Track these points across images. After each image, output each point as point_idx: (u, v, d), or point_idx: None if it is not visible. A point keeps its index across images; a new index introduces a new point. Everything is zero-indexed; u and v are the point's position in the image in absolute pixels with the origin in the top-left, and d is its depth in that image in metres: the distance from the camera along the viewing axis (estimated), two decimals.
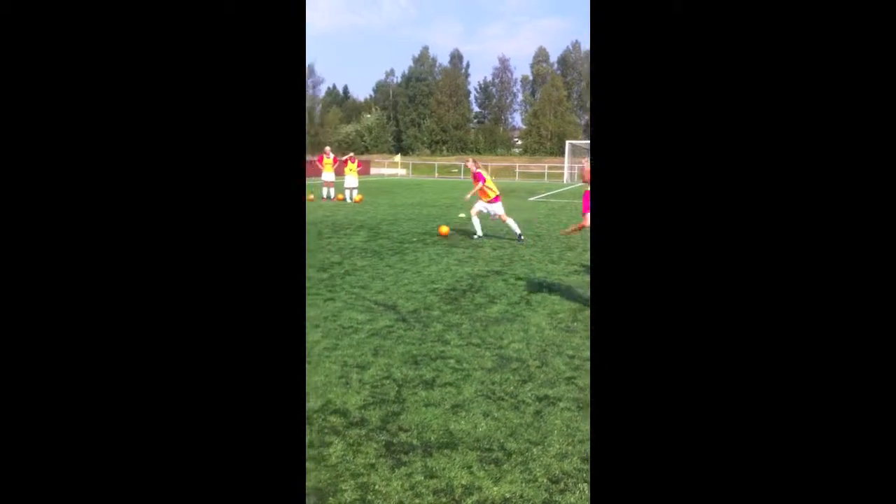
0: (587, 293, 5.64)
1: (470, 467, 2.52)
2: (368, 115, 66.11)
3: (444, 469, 2.50)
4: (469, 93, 69.32)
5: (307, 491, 2.31)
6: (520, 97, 70.15)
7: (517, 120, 69.69)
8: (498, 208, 9.90)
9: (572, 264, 7.50)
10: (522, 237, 9.59)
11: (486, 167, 11.30)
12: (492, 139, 66.25)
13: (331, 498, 2.27)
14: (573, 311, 5.18)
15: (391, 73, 72.29)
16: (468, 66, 70.59)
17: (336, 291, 5.81)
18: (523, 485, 2.38)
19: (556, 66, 66.89)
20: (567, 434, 2.84)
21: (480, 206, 10.01)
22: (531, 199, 20.41)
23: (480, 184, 9.83)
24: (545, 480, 2.42)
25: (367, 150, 59.74)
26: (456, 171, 45.60)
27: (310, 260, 7.45)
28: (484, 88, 70.04)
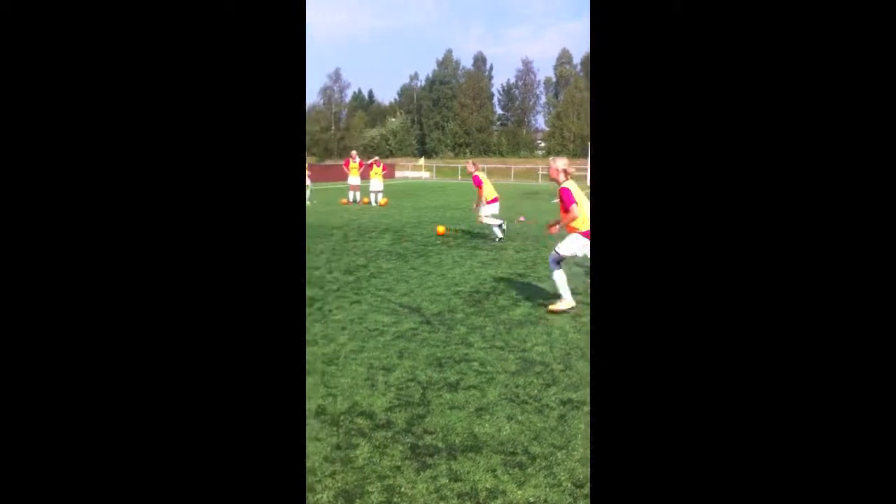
0: None
1: (494, 471, 2.53)
2: (393, 119, 66.50)
3: (468, 472, 2.51)
4: (492, 95, 69.30)
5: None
6: (543, 99, 69.99)
7: (540, 122, 69.56)
8: (491, 209, 9.95)
9: None
10: (501, 238, 9.84)
11: (483, 169, 11.27)
12: (515, 141, 66.05)
13: (357, 500, 2.31)
14: None
15: (415, 76, 72.96)
16: (491, 68, 70.68)
17: (362, 294, 5.87)
18: (547, 489, 2.39)
19: (579, 67, 66.45)
20: None
21: (486, 209, 10.02)
22: (554, 200, 20.24)
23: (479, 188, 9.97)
24: (569, 485, 2.42)
25: (391, 154, 60.05)
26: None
27: (336, 263, 7.54)
28: (507, 91, 69.94)
